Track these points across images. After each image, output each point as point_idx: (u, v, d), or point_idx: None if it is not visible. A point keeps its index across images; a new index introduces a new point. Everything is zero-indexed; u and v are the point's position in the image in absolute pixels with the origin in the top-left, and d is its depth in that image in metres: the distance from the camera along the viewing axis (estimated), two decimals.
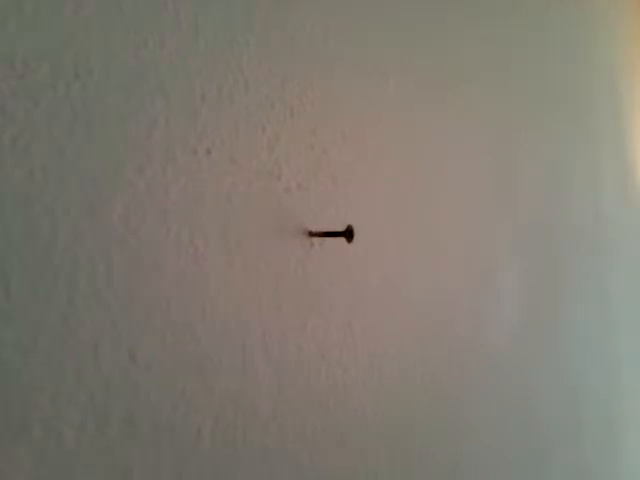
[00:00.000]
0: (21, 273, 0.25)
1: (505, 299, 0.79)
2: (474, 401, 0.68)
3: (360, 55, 0.49)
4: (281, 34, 0.40)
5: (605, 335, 1.39)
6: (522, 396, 0.83)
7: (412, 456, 0.53)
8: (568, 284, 1.10)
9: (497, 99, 0.83)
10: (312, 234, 0.40)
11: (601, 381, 1.32)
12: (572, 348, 1.11)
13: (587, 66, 1.43)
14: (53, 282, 0.27)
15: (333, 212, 0.44)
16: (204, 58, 0.34)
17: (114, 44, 0.29)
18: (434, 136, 0.62)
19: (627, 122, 1.91)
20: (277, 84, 0.39)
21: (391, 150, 0.53)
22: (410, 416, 0.53)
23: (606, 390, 1.36)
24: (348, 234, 0.38)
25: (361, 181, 0.48)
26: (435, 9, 0.65)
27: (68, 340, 0.27)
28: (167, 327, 0.31)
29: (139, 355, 0.30)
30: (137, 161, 0.30)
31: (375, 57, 0.51)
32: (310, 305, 0.41)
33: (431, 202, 0.60)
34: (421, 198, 0.58)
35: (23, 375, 0.25)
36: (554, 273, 1.00)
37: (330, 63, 0.45)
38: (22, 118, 0.26)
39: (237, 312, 0.35)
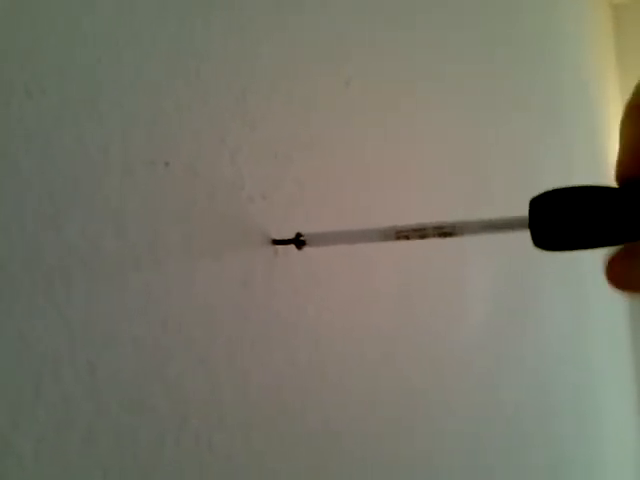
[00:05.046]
0: None
1: (475, 294, 0.80)
2: (445, 401, 0.69)
3: (322, 59, 0.49)
4: (241, 44, 0.40)
5: (579, 331, 1.41)
6: (494, 393, 0.84)
7: (384, 457, 0.54)
8: (541, 279, 1.11)
9: (466, 97, 0.84)
10: (276, 242, 0.41)
11: (575, 377, 1.34)
12: (546, 345, 1.13)
13: (556, 60, 1.44)
14: (10, 298, 0.27)
15: (300, 219, 0.44)
16: (161, 71, 0.34)
17: (68, 61, 0.29)
18: (400, 137, 0.63)
19: (599, 115, 1.93)
20: (238, 94, 0.39)
21: (357, 153, 0.54)
22: (381, 418, 0.54)
23: (580, 386, 1.38)
24: (297, 241, 0.39)
25: (328, 186, 0.48)
26: (398, 8, 0.65)
27: (26, 355, 0.27)
28: (128, 339, 0.31)
29: (100, 368, 0.30)
30: (93, 176, 0.30)
31: (338, 60, 0.52)
32: (277, 313, 0.41)
33: (399, 202, 0.61)
34: (389, 199, 0.59)
35: None
36: (526, 267, 1.01)
37: (292, 70, 0.45)
38: None
39: (201, 323, 0.35)
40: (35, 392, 0.27)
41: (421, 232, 0.33)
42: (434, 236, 0.33)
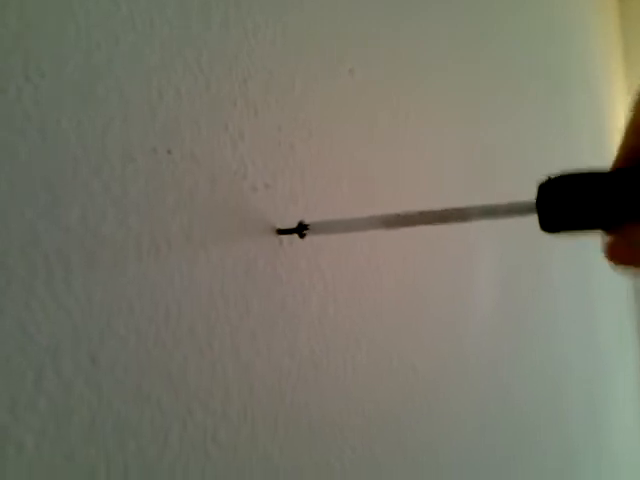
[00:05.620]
0: None
1: (480, 287, 0.79)
2: (452, 393, 0.68)
3: (324, 49, 0.49)
4: (241, 31, 0.39)
5: (587, 324, 1.40)
6: (502, 386, 0.83)
7: (389, 448, 0.54)
8: (547, 271, 1.10)
9: (468, 88, 0.83)
10: (280, 232, 0.40)
11: (584, 370, 1.33)
12: (554, 339, 1.12)
13: (562, 52, 1.43)
14: (7, 286, 0.26)
15: (303, 208, 0.44)
16: (161, 57, 0.33)
17: (65, 46, 0.29)
18: (403, 126, 0.62)
19: (605, 106, 1.92)
20: (239, 81, 0.38)
21: (360, 141, 0.53)
22: (385, 409, 0.53)
23: (589, 379, 1.37)
24: (299, 230, 0.39)
25: (331, 175, 0.48)
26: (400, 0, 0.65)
27: (26, 345, 0.27)
28: (130, 330, 0.31)
29: (101, 359, 0.30)
30: (93, 162, 0.29)
31: (339, 50, 0.51)
32: (280, 303, 0.41)
33: (401, 191, 0.60)
34: (391, 188, 0.58)
35: None
36: (533, 260, 1.01)
37: (293, 58, 0.45)
38: None
39: (203, 313, 0.35)
40: (36, 383, 0.27)
41: (426, 218, 0.33)
42: (439, 222, 0.33)
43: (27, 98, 0.27)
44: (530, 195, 0.30)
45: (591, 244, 1.47)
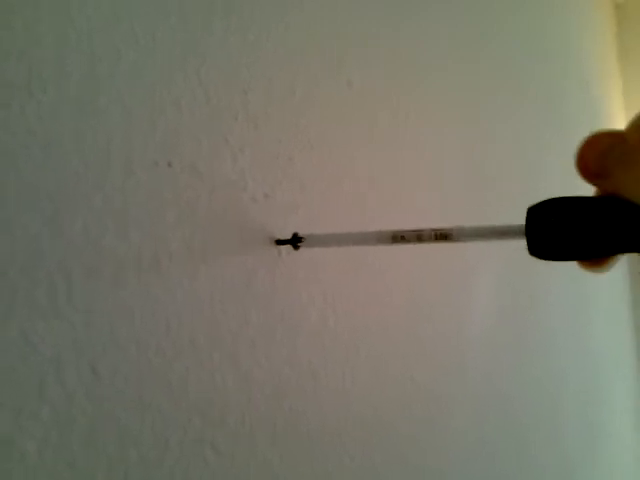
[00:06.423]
0: None
1: (480, 301, 0.79)
2: (451, 405, 0.68)
3: (322, 60, 0.49)
4: (242, 44, 0.40)
5: (584, 339, 1.40)
6: (500, 399, 0.83)
7: (388, 458, 0.54)
8: (545, 287, 1.10)
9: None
10: (279, 242, 0.41)
11: (581, 385, 1.33)
12: (551, 353, 1.12)
13: (561, 53, 1.43)
14: (11, 298, 0.27)
15: (302, 219, 0.44)
16: (162, 70, 0.34)
17: (68, 60, 0.29)
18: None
19: (601, 114, 1.92)
20: (239, 94, 0.39)
21: (359, 152, 0.54)
22: (385, 419, 0.54)
23: (586, 393, 1.37)
24: (294, 241, 0.39)
25: (330, 187, 0.48)
26: (399, 7, 0.65)
27: (29, 357, 0.27)
28: (131, 341, 0.31)
29: (102, 369, 0.30)
30: (95, 175, 0.30)
31: (339, 60, 0.51)
32: (279, 314, 0.41)
33: (401, 203, 0.61)
34: (391, 200, 0.58)
35: None
36: (531, 276, 1.01)
37: (293, 70, 0.45)
38: None
39: (204, 324, 0.35)
40: (38, 392, 0.27)
41: (417, 235, 0.34)
42: (430, 240, 0.33)
43: (30, 113, 0.27)
44: (529, 197, 0.30)
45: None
